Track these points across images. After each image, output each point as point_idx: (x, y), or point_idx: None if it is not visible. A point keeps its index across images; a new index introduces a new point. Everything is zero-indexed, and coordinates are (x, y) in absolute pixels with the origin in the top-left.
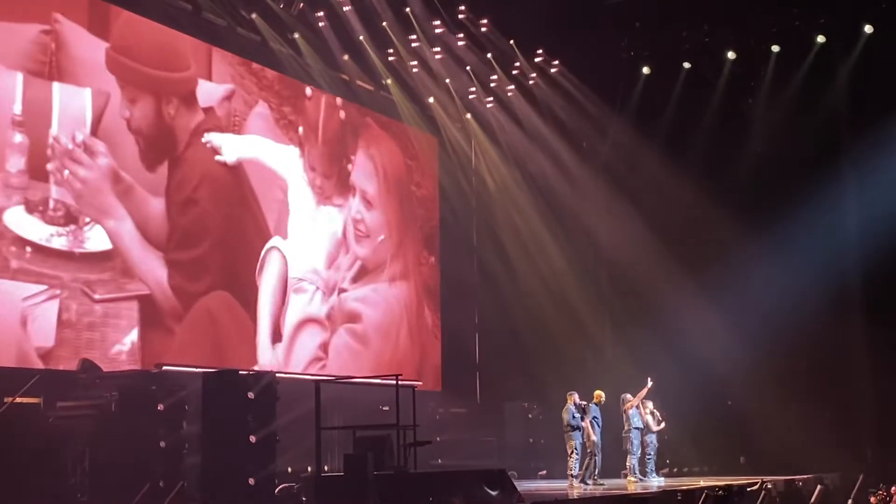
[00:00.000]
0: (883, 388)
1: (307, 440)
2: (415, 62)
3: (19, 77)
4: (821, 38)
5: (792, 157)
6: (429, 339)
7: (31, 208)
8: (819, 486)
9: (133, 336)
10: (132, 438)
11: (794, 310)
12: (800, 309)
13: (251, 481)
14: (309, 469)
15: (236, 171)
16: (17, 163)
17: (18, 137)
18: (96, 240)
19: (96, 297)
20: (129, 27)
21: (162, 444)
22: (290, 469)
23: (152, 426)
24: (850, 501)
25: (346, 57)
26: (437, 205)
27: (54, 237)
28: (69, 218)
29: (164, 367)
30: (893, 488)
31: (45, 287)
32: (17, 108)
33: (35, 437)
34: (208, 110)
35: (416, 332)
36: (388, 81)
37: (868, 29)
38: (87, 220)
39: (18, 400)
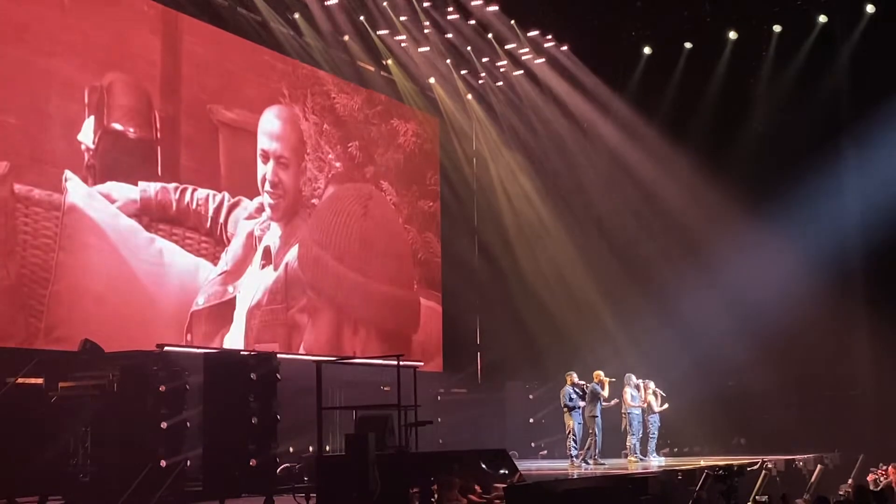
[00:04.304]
0: (883, 368)
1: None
2: (416, 42)
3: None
4: (822, 18)
5: (794, 136)
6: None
7: None
8: (819, 466)
9: None
10: (134, 419)
11: (794, 289)
12: (800, 288)
13: (252, 462)
14: (310, 449)
15: None
16: None
17: None
18: None
19: None
20: None
21: (163, 424)
22: (291, 449)
23: (154, 406)
24: (850, 481)
25: (346, 38)
26: (437, 185)
27: None
28: None
29: (166, 348)
30: (891, 467)
31: None
32: None
33: (37, 417)
34: None
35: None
36: (389, 62)
37: (870, 8)
38: None
39: (20, 380)
